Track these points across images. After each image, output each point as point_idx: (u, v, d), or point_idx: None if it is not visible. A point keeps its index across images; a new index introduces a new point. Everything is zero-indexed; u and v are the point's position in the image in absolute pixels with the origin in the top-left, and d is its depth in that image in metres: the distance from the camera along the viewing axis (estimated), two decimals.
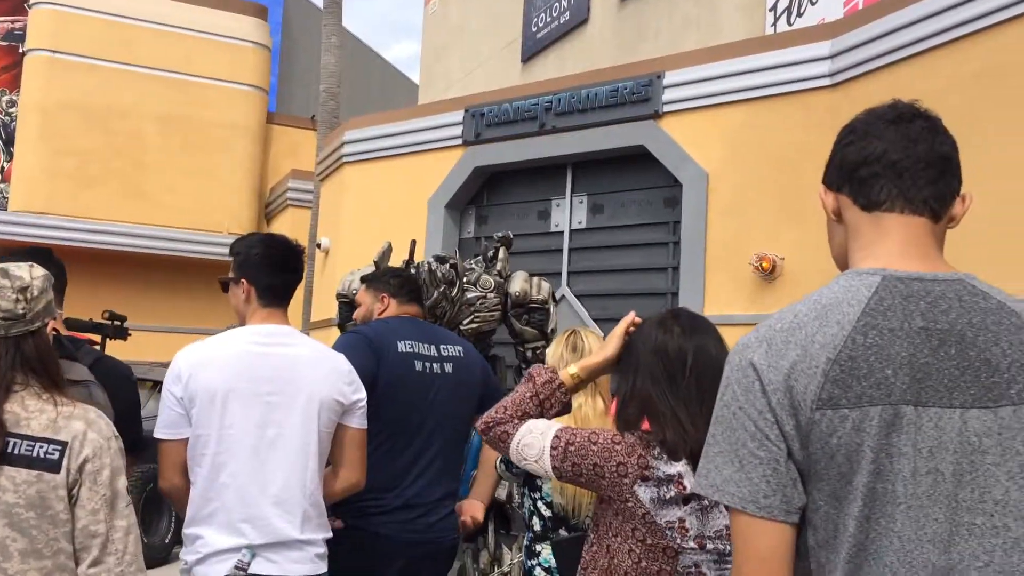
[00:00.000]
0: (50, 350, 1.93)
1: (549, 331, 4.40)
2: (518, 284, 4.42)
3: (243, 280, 2.52)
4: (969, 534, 1.11)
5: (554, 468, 1.82)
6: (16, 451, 1.77)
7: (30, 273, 1.91)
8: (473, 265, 4.59)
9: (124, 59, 12.60)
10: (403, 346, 2.90)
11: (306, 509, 2.36)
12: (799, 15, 8.42)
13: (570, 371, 2.01)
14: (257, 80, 13.55)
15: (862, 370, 1.12)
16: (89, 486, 1.81)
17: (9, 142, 20.90)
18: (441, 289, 4.23)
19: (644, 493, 1.76)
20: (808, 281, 5.69)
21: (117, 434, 1.94)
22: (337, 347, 2.85)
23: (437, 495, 2.89)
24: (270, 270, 2.50)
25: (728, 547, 1.77)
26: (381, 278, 3.23)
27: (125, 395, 2.58)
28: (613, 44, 11.21)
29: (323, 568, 2.40)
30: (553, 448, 1.83)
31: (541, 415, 1.95)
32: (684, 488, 1.76)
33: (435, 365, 2.96)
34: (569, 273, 7.43)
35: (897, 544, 1.11)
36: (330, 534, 2.46)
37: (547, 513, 2.76)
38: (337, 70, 10.83)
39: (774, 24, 8.70)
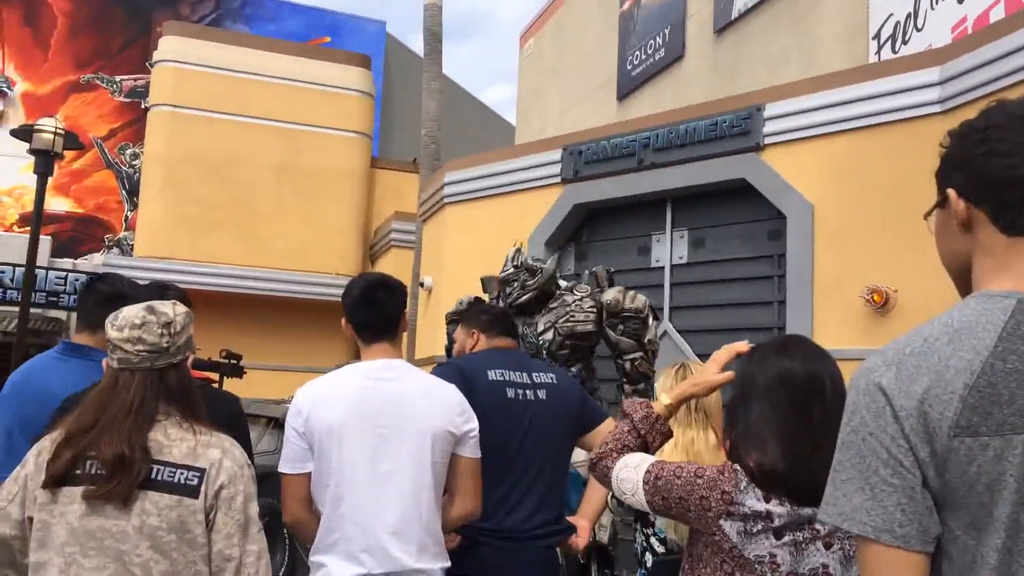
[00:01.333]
0: (191, 382, 2.05)
1: (646, 341, 4.38)
2: (611, 293, 4.46)
3: (343, 319, 2.64)
4: None
5: (648, 502, 1.81)
6: (159, 477, 1.89)
7: (174, 310, 2.04)
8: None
9: (239, 111, 13.31)
10: (493, 375, 2.93)
11: (423, 539, 2.42)
12: (904, 42, 8.23)
13: (663, 401, 2.01)
14: (362, 127, 14.06)
15: (1003, 397, 1.08)
16: (224, 511, 1.91)
17: (133, 192, 22.26)
18: (520, 268, 4.37)
19: (730, 527, 1.72)
20: (923, 313, 5.49)
21: (250, 462, 2.04)
22: (432, 372, 2.91)
23: (538, 522, 2.89)
24: (359, 306, 2.61)
25: None
26: (473, 315, 3.31)
27: (235, 429, 2.69)
28: (709, 78, 11.18)
29: None
30: (645, 482, 1.82)
31: (645, 449, 1.94)
32: (771, 521, 1.70)
33: (528, 392, 2.98)
34: (671, 309, 7.38)
35: None
36: (448, 563, 2.51)
37: (660, 549, 2.74)
38: (437, 114, 11.13)
39: (878, 52, 8.52)
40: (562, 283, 4.71)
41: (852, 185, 6.18)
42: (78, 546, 1.84)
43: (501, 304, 4.57)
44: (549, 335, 4.47)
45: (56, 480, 1.86)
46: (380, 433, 2.42)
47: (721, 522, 1.73)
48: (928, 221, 1.33)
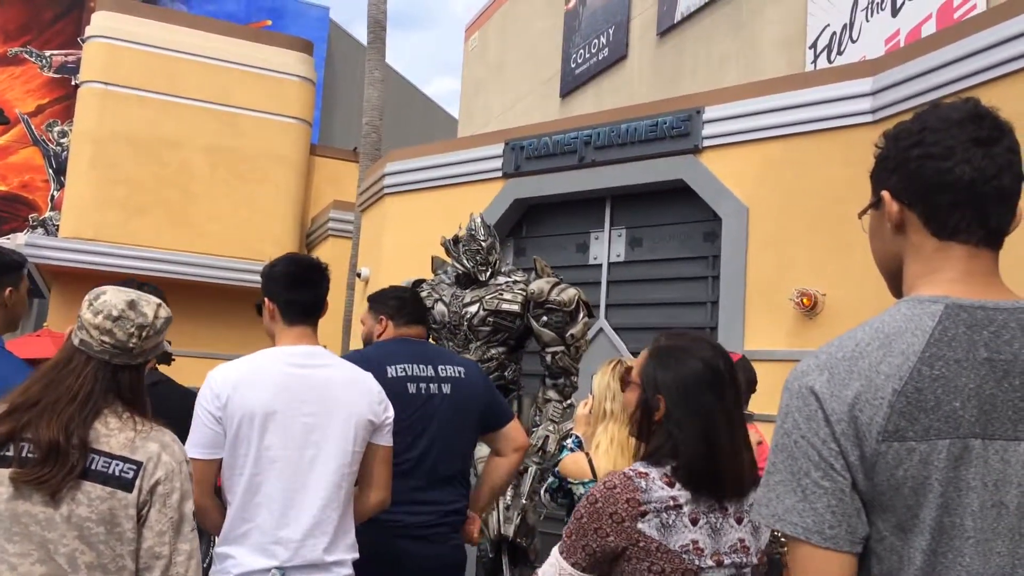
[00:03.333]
0: (142, 386, 1.98)
1: (568, 335, 4.40)
2: (539, 283, 4.48)
3: (266, 298, 2.57)
4: None
5: (574, 565, 1.80)
6: (94, 467, 1.82)
7: (155, 312, 1.97)
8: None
9: (173, 91, 12.95)
10: (394, 370, 2.89)
11: (337, 530, 2.39)
12: (839, 53, 8.45)
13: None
14: (301, 113, 13.83)
15: (930, 402, 1.10)
16: (159, 508, 1.86)
17: (60, 171, 21.50)
18: (493, 237, 4.41)
19: (649, 527, 1.75)
20: (850, 317, 5.65)
21: (189, 459, 1.99)
22: None
23: (440, 514, 2.88)
24: (290, 286, 2.54)
25: (744, 559, 1.80)
26: (381, 299, 3.23)
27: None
28: (651, 80, 11.31)
29: None
30: (560, 552, 1.82)
31: None
32: (681, 508, 1.76)
33: (432, 385, 2.95)
34: (607, 306, 7.45)
35: None
36: (357, 555, 2.48)
37: None
38: (379, 104, 11.03)
39: (814, 61, 8.73)
40: (504, 268, 4.72)
41: (786, 189, 6.32)
42: (2, 529, 1.78)
43: (463, 265, 4.54)
44: (474, 308, 4.46)
45: None
46: (305, 421, 2.38)
47: (640, 526, 1.75)
48: (862, 221, 1.34)
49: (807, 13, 8.97)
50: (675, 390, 1.84)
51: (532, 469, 4.27)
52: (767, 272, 6.30)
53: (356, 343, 9.66)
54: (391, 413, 2.57)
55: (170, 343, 2.13)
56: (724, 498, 1.81)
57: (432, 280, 4.83)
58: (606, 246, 7.57)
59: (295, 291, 2.55)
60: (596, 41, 12.77)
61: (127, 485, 1.84)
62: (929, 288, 1.20)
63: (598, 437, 2.96)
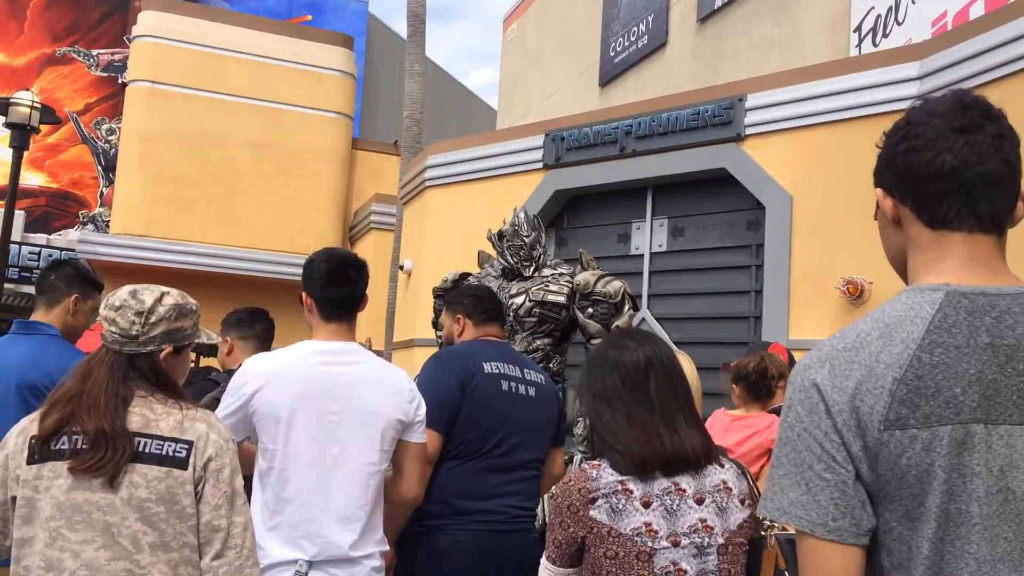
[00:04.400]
0: (162, 371, 2.05)
1: (613, 327, 4.40)
2: (585, 275, 4.47)
3: (304, 293, 2.60)
4: None
5: (551, 560, 1.90)
6: (147, 450, 1.91)
7: (155, 299, 2.05)
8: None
9: (218, 89, 13.17)
10: (490, 367, 2.96)
11: (365, 525, 2.43)
12: (885, 36, 8.30)
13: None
14: (343, 107, 13.96)
15: (930, 389, 1.10)
16: (212, 483, 1.94)
17: (109, 168, 21.99)
18: (537, 231, 4.43)
19: (599, 512, 1.81)
20: None
21: (233, 437, 2.08)
22: (426, 365, 2.97)
23: (517, 511, 2.94)
24: (327, 283, 2.55)
25: (707, 540, 1.82)
26: (457, 299, 3.28)
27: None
28: (692, 67, 11.21)
29: None
30: (546, 558, 1.91)
31: None
32: (631, 492, 1.81)
33: (520, 387, 3.01)
34: (650, 296, 7.43)
35: (973, 565, 1.09)
36: (387, 548, 2.53)
37: None
38: (420, 97, 11.08)
39: (859, 45, 8.58)
40: (549, 262, 4.73)
41: (830, 177, 6.24)
42: (64, 519, 1.85)
43: (507, 261, 4.58)
44: (520, 299, 4.48)
45: (44, 441, 1.89)
46: (331, 419, 2.41)
47: (591, 513, 1.82)
48: (877, 223, 1.37)
49: None
50: (597, 391, 1.96)
51: (578, 458, 4.29)
52: (812, 261, 6.24)
53: (399, 334, 9.77)
54: (423, 411, 2.60)
55: (215, 336, 2.21)
56: (675, 478, 1.84)
57: (478, 274, 4.86)
58: (648, 236, 7.55)
59: (331, 288, 2.56)
60: (635, 28, 12.69)
61: (182, 463, 1.92)
62: (930, 277, 1.20)
63: None
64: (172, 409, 1.98)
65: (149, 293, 2.06)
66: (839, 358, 1.16)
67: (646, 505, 1.80)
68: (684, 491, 1.84)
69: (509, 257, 4.56)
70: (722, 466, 1.92)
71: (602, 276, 4.48)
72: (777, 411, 3.66)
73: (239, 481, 1.99)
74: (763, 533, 1.92)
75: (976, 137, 1.18)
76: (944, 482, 1.09)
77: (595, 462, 1.89)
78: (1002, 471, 1.09)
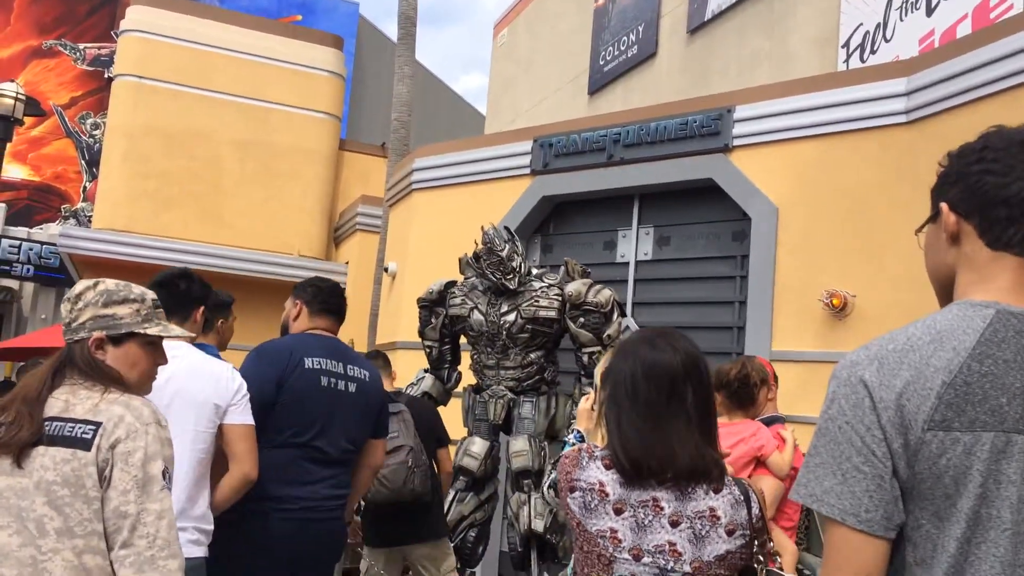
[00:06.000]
0: (92, 359, 2.04)
1: (605, 336, 4.42)
2: (575, 285, 4.49)
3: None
4: None
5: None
6: (60, 433, 1.89)
7: (88, 286, 2.09)
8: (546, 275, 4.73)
9: (205, 85, 13.08)
10: (311, 362, 3.20)
11: (183, 525, 2.58)
12: (873, 52, 8.37)
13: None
14: (331, 108, 13.90)
15: (977, 396, 1.15)
16: (121, 467, 1.87)
17: (93, 162, 21.81)
18: (510, 244, 4.43)
19: (573, 502, 1.83)
20: (880, 320, 5.61)
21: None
22: (250, 353, 3.22)
23: (329, 499, 3.18)
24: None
25: (671, 564, 1.76)
26: (303, 286, 3.52)
27: None
28: (681, 77, 11.25)
29: (199, 552, 2.67)
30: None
31: None
32: (607, 495, 1.80)
33: (340, 382, 3.25)
34: (635, 304, 7.43)
35: (998, 568, 1.14)
36: (207, 525, 2.74)
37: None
38: (408, 100, 11.07)
39: (847, 60, 8.65)
40: (534, 270, 4.72)
41: (817, 190, 6.27)
42: None
43: (490, 279, 4.58)
44: (511, 316, 4.48)
45: None
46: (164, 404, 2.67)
47: (568, 500, 1.84)
48: (918, 237, 1.41)
49: (840, 11, 8.89)
50: (616, 380, 1.92)
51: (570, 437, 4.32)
52: (796, 273, 6.26)
53: (382, 336, 9.72)
54: (243, 393, 2.88)
55: (176, 329, 2.25)
56: (657, 492, 1.80)
57: (464, 285, 4.83)
58: (634, 244, 7.55)
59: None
60: (625, 38, 12.73)
61: (86, 444, 1.88)
62: (981, 294, 1.26)
63: (601, 429, 2.96)
64: (94, 394, 1.96)
65: (87, 282, 2.10)
66: (888, 358, 1.21)
67: (617, 512, 1.79)
68: (661, 509, 1.79)
69: (490, 275, 4.57)
70: (718, 492, 1.83)
71: (592, 285, 4.49)
72: (768, 420, 3.66)
73: (156, 467, 1.90)
74: (755, 567, 1.88)
75: None
76: (980, 485, 1.14)
77: (589, 446, 1.89)
78: None
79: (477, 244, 4.66)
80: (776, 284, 6.37)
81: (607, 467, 1.83)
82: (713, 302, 6.99)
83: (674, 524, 1.78)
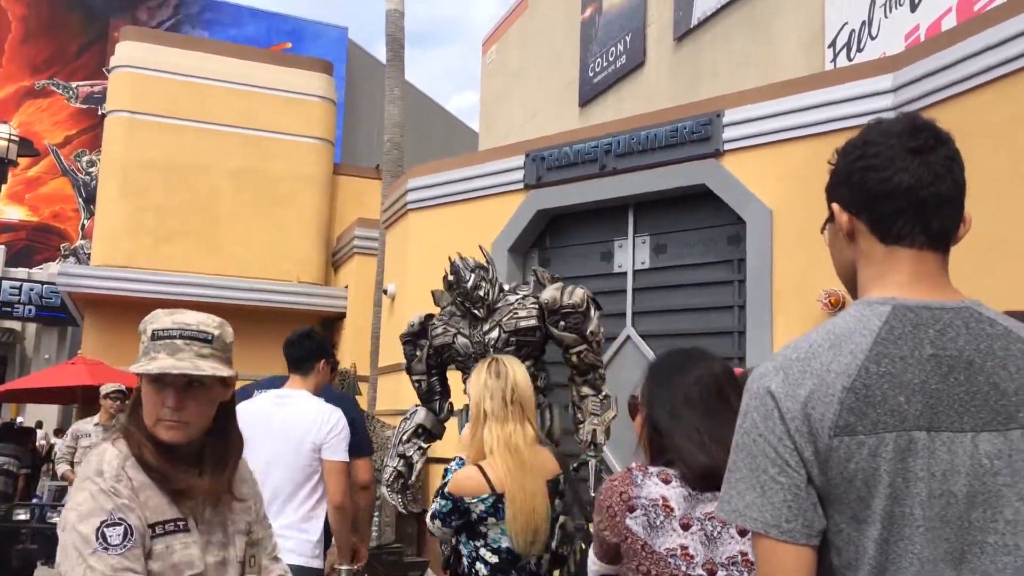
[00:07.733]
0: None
1: (588, 333, 4.42)
2: (548, 292, 4.50)
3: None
4: (981, 552, 1.15)
5: (598, 556, 1.86)
6: None
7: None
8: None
9: (198, 117, 13.15)
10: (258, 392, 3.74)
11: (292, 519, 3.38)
12: (859, 50, 8.39)
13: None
14: (324, 133, 13.97)
15: (876, 398, 1.16)
16: (60, 528, 1.72)
17: (90, 200, 21.89)
18: (475, 273, 4.42)
19: (635, 524, 1.74)
20: None
21: (110, 473, 1.76)
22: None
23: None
24: (285, 346, 3.78)
25: (746, 574, 1.74)
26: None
27: None
28: (670, 85, 11.29)
29: (298, 561, 3.24)
30: (592, 548, 1.88)
31: None
32: (672, 510, 1.74)
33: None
34: (634, 314, 7.43)
35: (917, 564, 1.14)
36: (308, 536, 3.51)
37: (493, 559, 2.82)
38: (400, 121, 11.11)
39: (834, 60, 8.67)
40: (505, 286, 4.73)
41: (809, 190, 6.25)
42: None
43: (463, 309, 4.57)
44: (495, 333, 4.48)
45: None
46: (265, 447, 3.41)
47: (627, 522, 1.75)
48: (824, 236, 1.44)
49: (825, 11, 8.92)
50: (670, 393, 1.87)
51: (592, 463, 4.29)
52: (793, 274, 6.26)
53: (385, 359, 9.71)
54: (335, 433, 3.43)
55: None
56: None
57: (443, 314, 4.82)
58: (630, 254, 7.56)
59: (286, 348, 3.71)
60: (613, 49, 12.78)
61: None
62: (878, 290, 1.26)
63: (488, 444, 2.84)
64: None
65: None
66: (792, 367, 1.21)
67: (685, 527, 1.73)
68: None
69: (460, 305, 4.58)
70: None
71: (564, 289, 4.50)
72: None
73: (87, 526, 1.66)
74: None
75: (929, 158, 1.25)
76: (888, 485, 1.15)
77: (641, 464, 1.82)
78: (944, 476, 1.15)
79: (447, 273, 4.65)
80: (774, 287, 6.36)
81: (665, 481, 1.77)
82: (712, 307, 6.98)
83: (742, 534, 1.75)
